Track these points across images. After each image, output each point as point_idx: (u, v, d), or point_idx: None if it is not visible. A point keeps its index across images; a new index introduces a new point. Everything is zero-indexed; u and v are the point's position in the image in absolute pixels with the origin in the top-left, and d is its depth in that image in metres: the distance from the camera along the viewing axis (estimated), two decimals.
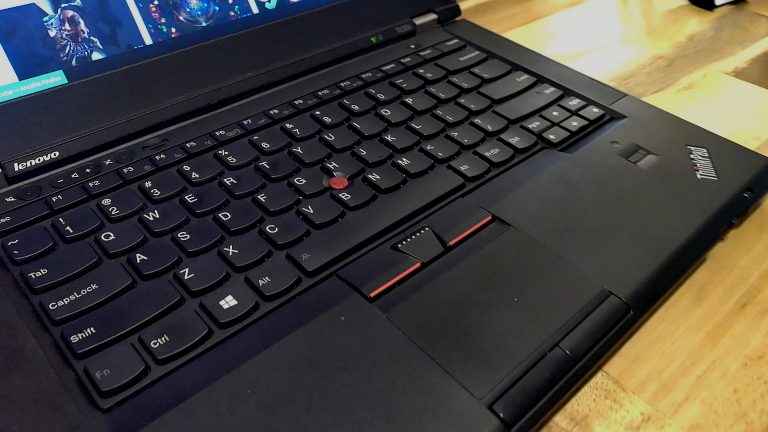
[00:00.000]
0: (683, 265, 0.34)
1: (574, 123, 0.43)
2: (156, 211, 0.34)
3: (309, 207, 0.35)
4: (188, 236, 0.32)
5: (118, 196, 0.35)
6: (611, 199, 0.36)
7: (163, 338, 0.27)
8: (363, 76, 0.46)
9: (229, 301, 0.29)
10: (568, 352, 0.28)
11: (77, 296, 0.29)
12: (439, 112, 0.43)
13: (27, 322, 0.28)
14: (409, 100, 0.44)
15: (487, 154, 0.40)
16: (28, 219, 0.33)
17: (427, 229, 0.34)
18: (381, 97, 0.44)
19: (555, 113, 0.44)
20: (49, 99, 0.37)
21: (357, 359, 0.27)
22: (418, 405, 0.25)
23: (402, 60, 0.48)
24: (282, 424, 0.24)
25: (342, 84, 0.45)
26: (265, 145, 0.39)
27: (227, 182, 0.36)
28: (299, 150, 0.39)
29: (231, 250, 0.32)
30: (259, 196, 0.35)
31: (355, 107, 0.43)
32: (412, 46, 0.51)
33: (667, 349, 0.32)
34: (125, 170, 0.36)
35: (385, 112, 0.43)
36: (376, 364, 0.27)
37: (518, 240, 0.33)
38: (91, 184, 0.35)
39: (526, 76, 0.48)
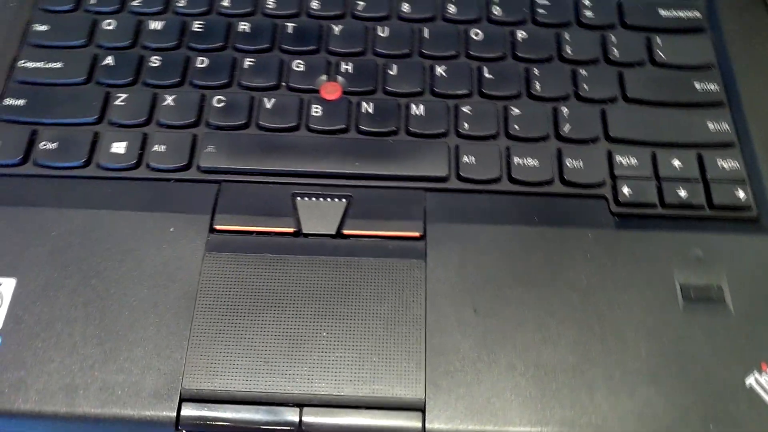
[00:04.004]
0: None
1: (682, 193, 0.30)
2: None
3: (273, 99, 0.32)
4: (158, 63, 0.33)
5: None
6: (580, 326, 0.27)
7: (54, 144, 0.31)
8: None
9: (119, 147, 0.31)
10: (307, 419, 0.25)
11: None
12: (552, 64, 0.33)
13: None
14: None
15: (516, 159, 0.31)
16: None
17: (344, 200, 0.30)
18: None
19: (676, 162, 0.31)
20: None
21: (142, 275, 0.28)
22: (132, 336, 0.26)
23: None
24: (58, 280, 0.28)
25: None
26: (314, 4, 0.35)
27: (242, 29, 0.34)
28: (337, 29, 0.34)
29: (168, 101, 0.32)
30: (247, 59, 0.33)
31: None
32: None
33: None
34: None
35: (475, 34, 0.34)
36: (154, 287, 0.27)
37: (408, 280, 0.28)
38: None
39: (713, 87, 0.33)
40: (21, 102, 0.32)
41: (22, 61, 0.33)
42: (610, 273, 0.28)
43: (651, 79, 0.33)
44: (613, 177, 0.30)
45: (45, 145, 0.31)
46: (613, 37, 0.34)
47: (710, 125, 0.32)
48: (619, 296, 0.27)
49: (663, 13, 0.35)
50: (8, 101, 0.32)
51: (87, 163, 0.31)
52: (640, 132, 0.31)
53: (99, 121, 0.32)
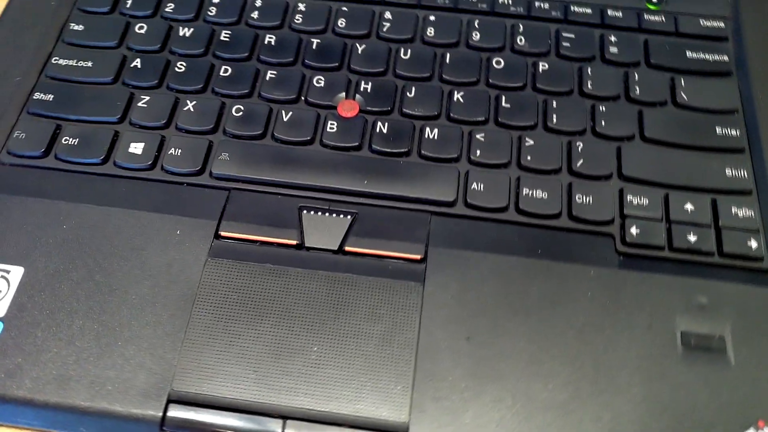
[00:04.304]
0: None
1: (692, 237, 0.29)
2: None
3: (290, 112, 0.33)
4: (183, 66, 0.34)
5: None
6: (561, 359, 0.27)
7: (76, 140, 0.32)
8: None
9: (136, 147, 0.32)
10: (287, 431, 0.26)
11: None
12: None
13: None
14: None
15: (525, 190, 0.31)
16: None
17: (349, 217, 0.30)
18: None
19: (689, 206, 0.30)
20: None
21: (145, 274, 0.28)
22: (129, 333, 0.27)
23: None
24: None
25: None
26: (340, 22, 0.36)
27: (268, 41, 0.35)
28: (360, 48, 0.35)
29: (189, 107, 0.33)
30: (270, 71, 0.34)
31: (477, 35, 0.35)
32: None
33: None
34: None
35: (497, 63, 0.34)
36: (155, 287, 0.28)
37: (404, 302, 0.28)
38: None
39: (735, 132, 0.32)
40: (49, 97, 0.33)
41: (55, 58, 0.35)
42: (610, 313, 0.28)
43: (671, 120, 0.33)
44: (623, 216, 0.30)
45: (67, 140, 0.32)
46: (636, 75, 0.34)
47: (728, 171, 0.31)
48: (616, 337, 0.27)
49: (690, 54, 0.35)
50: (37, 95, 0.33)
51: (105, 161, 0.32)
52: (655, 173, 0.31)
53: (121, 120, 0.33)
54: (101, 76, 0.34)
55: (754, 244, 0.29)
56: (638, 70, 0.34)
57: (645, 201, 0.30)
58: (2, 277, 0.28)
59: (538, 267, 0.29)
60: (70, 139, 0.32)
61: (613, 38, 0.35)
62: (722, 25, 0.36)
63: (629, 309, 0.28)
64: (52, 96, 0.33)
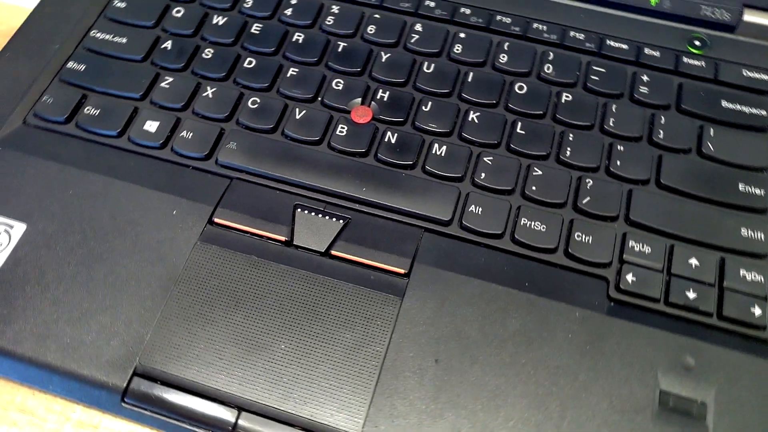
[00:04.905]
0: None
1: (691, 294, 0.28)
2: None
3: (304, 111, 0.33)
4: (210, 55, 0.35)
5: None
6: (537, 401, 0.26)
7: (97, 111, 0.34)
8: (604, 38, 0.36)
9: (151, 126, 0.33)
10: (243, 422, 0.26)
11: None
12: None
13: None
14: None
15: (523, 220, 0.30)
16: None
17: (342, 221, 0.30)
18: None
19: (694, 260, 0.29)
20: None
21: (135, 248, 0.30)
22: (109, 302, 0.28)
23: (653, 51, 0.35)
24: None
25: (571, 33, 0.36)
26: (370, 28, 0.36)
27: (295, 39, 0.36)
28: (385, 56, 0.35)
29: (208, 93, 0.34)
30: (292, 69, 0.35)
31: (516, 63, 0.35)
32: (697, 43, 0.36)
33: None
34: None
35: (519, 88, 0.34)
36: (143, 262, 0.29)
37: (379, 314, 0.28)
38: None
39: (761, 193, 0.31)
40: (81, 67, 0.35)
41: (94, 31, 0.37)
42: (588, 358, 0.27)
43: (692, 169, 0.32)
44: (621, 261, 0.29)
45: (89, 110, 0.34)
46: (663, 118, 0.33)
47: (744, 231, 0.30)
48: (590, 384, 0.26)
49: (725, 104, 0.33)
50: (71, 64, 0.35)
51: (120, 134, 0.33)
52: (664, 221, 0.30)
53: (143, 98, 0.34)
54: (132, 53, 0.36)
55: (758, 311, 0.28)
56: (666, 113, 0.33)
57: (647, 249, 0.29)
58: (5, 230, 0.30)
59: (522, 300, 0.28)
60: (92, 110, 0.34)
61: (645, 78, 0.34)
62: (766, 78, 0.34)
63: (609, 357, 0.27)
64: (84, 66, 0.35)
